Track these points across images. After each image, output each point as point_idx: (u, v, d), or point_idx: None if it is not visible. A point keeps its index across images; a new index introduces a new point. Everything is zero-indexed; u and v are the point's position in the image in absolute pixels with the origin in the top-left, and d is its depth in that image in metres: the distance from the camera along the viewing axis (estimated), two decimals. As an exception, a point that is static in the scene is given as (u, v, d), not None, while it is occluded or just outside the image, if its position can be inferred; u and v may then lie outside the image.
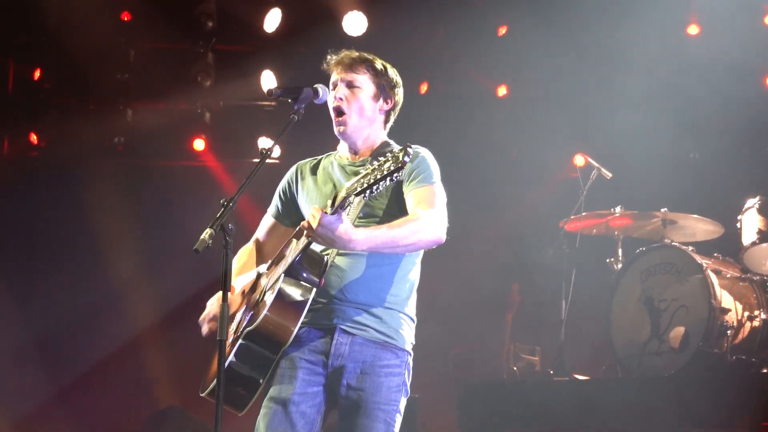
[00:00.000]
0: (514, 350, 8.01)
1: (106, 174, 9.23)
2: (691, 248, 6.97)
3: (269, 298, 3.54)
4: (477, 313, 9.07)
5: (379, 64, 3.89)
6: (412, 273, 3.76)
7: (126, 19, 9.06)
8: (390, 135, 3.97)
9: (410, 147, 3.19)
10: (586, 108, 8.89)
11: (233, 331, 3.68)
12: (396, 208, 3.68)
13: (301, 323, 3.55)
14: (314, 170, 3.93)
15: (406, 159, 3.14)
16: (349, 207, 3.41)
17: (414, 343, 3.78)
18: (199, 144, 9.27)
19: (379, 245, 3.46)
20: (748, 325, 6.71)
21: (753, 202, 6.97)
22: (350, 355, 3.62)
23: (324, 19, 8.55)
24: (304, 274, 3.54)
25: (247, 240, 4.10)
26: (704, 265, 6.74)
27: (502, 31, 9.12)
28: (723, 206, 7.57)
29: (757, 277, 6.91)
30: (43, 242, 9.25)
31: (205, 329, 3.75)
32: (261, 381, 3.63)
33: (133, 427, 8.40)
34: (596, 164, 7.80)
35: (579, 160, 8.58)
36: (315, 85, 3.80)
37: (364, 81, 3.84)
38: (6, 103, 9.24)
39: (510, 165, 9.46)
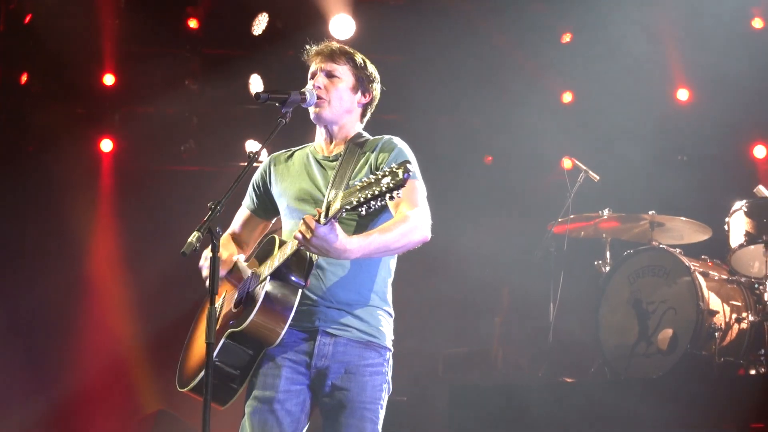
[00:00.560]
0: (503, 353, 8.02)
1: (93, 178, 9.21)
2: (678, 250, 6.98)
3: (256, 300, 3.53)
4: (466, 316, 9.07)
5: (359, 57, 3.88)
6: (390, 267, 3.77)
7: (115, 23, 9.03)
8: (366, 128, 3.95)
9: (409, 163, 3.15)
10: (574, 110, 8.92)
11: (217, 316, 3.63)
12: None
13: None
14: (288, 162, 3.92)
15: (407, 176, 3.11)
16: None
17: (393, 338, 3.77)
18: (185, 148, 9.26)
19: (372, 251, 3.46)
20: (735, 327, 6.72)
21: (740, 205, 6.97)
22: (334, 355, 3.61)
23: (311, 23, 8.54)
24: (292, 277, 3.53)
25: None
26: (692, 267, 6.75)
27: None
28: (710, 209, 7.59)
29: (745, 279, 6.93)
30: (29, 248, 9.20)
31: (204, 273, 3.72)
32: (244, 378, 3.63)
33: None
34: (584, 167, 7.82)
35: (566, 163, 8.58)
36: (302, 89, 3.79)
37: (344, 72, 3.84)
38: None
39: (499, 167, 9.47)
